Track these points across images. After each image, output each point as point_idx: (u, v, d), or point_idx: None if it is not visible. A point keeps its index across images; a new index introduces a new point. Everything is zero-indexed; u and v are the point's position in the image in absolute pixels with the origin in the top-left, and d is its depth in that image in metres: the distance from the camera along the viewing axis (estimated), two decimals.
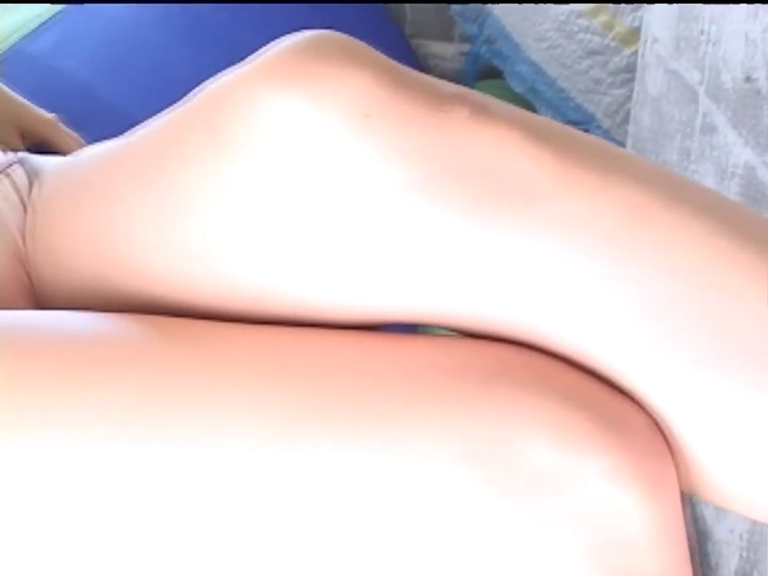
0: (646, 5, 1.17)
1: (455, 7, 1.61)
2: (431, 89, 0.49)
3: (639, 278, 0.47)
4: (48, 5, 1.05)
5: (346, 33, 1.35)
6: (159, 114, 0.60)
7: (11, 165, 0.70)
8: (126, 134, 0.62)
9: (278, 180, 0.49)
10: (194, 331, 0.52)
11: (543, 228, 0.47)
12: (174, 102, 1.11)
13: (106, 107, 1.01)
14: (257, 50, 1.34)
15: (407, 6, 1.67)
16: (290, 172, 0.49)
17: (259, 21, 1.32)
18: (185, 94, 1.17)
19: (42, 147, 0.86)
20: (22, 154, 0.74)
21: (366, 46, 0.50)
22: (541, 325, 0.48)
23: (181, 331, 0.52)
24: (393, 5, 1.66)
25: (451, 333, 0.54)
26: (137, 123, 1.06)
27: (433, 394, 0.46)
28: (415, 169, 0.47)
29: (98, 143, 0.66)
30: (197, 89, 0.56)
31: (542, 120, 0.50)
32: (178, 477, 0.47)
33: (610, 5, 1.42)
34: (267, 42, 1.35)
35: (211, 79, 0.54)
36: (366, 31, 1.58)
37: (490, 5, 1.59)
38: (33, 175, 0.71)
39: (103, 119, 0.98)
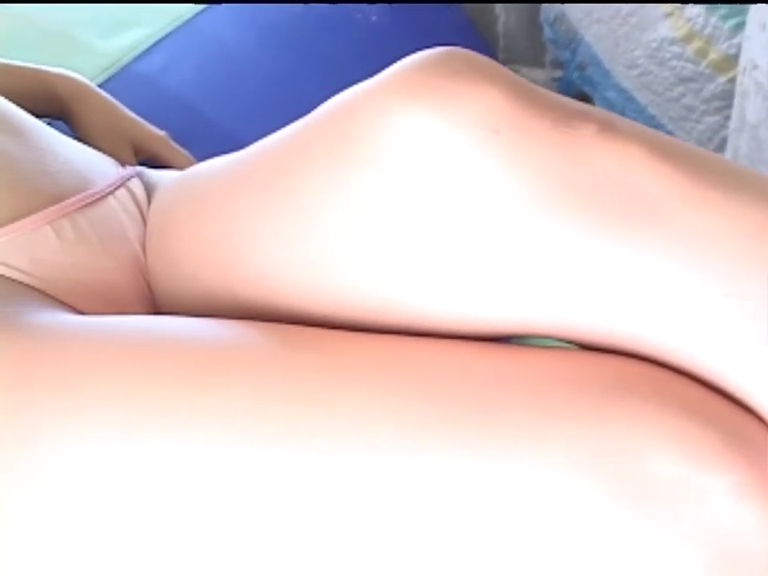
0: (745, 32, 1.17)
1: (548, 33, 1.62)
2: (558, 105, 0.50)
3: (764, 297, 0.47)
4: (165, 18, 1.08)
5: None
6: (281, 130, 0.62)
7: (130, 178, 0.73)
8: (246, 148, 0.64)
9: (405, 192, 0.50)
10: (316, 339, 0.53)
11: (667, 244, 0.47)
12: (275, 120, 1.13)
13: (211, 124, 1.04)
14: (354, 68, 1.36)
15: (500, 32, 1.68)
16: (418, 185, 0.50)
17: (357, 41, 1.34)
18: (285, 111, 1.20)
19: (154, 163, 0.89)
20: (139, 168, 0.77)
21: (493, 61, 0.51)
22: (662, 339, 0.49)
23: (302, 338, 0.54)
24: (487, 31, 1.68)
25: (565, 344, 0.54)
26: (240, 140, 1.09)
27: (555, 404, 0.47)
28: (540, 183, 0.48)
29: (216, 158, 0.69)
30: (324, 104, 0.57)
31: (667, 137, 0.50)
32: (301, 481, 0.48)
33: (704, 32, 1.41)
34: (364, 63, 1.38)
35: (339, 94, 0.56)
36: None
37: (582, 32, 1.60)
38: (150, 188, 0.74)
39: (208, 136, 1.01)
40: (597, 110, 0.51)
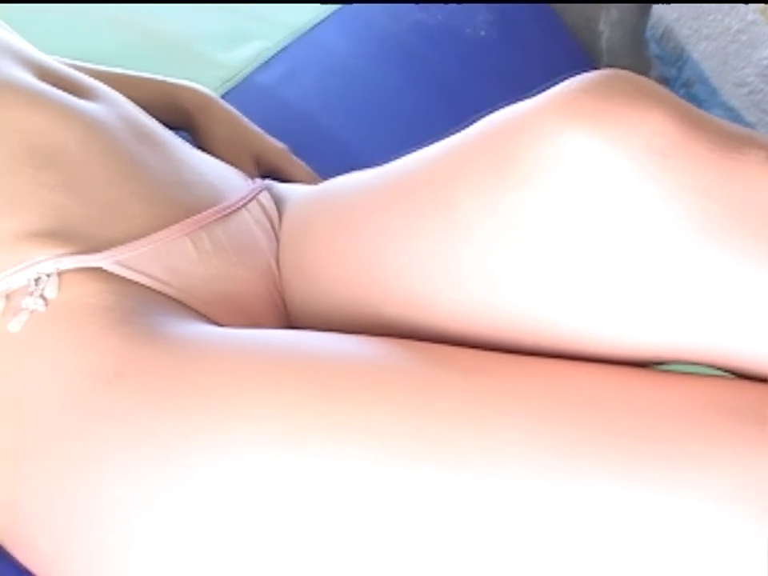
0: None
1: (654, 49, 1.60)
2: (724, 130, 0.49)
3: None
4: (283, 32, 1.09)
5: (545, 67, 1.35)
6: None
7: (260, 191, 0.74)
8: (390, 164, 0.64)
9: (566, 213, 0.50)
10: (466, 359, 0.53)
11: None
12: (391, 133, 1.13)
13: (328, 136, 1.05)
14: (464, 82, 1.34)
15: (604, 48, 1.67)
16: (579, 206, 0.50)
17: (466, 56, 1.34)
18: (401, 125, 1.19)
19: (274, 175, 0.89)
20: (267, 181, 0.78)
21: (656, 84, 0.51)
22: None
23: (452, 358, 0.54)
24: (590, 47, 1.67)
25: (713, 370, 0.53)
26: (356, 153, 1.10)
27: (706, 433, 0.46)
28: (705, 209, 0.47)
29: (354, 173, 0.69)
30: (481, 121, 0.57)
31: None
32: (452, 502, 0.48)
33: None
34: (474, 77, 1.36)
35: (497, 112, 0.56)
36: (563, 68, 1.58)
37: (689, 48, 1.57)
38: (279, 201, 0.75)
39: (325, 148, 1.02)
40: (762, 135, 0.50)
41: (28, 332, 0.60)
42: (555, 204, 0.51)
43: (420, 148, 1.17)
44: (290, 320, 0.69)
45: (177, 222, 0.67)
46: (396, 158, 1.10)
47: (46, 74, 0.72)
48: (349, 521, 0.50)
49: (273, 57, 1.10)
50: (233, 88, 1.03)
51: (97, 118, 0.69)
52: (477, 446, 0.48)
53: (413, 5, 1.34)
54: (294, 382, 0.54)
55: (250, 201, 0.73)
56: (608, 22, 1.69)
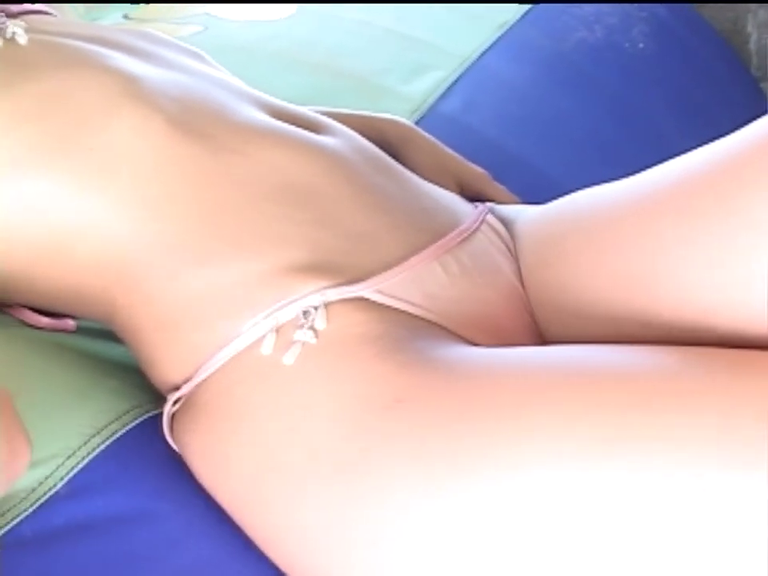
0: None
1: None
2: None
3: None
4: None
5: (702, 74, 1.32)
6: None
7: (487, 213, 0.74)
8: (636, 176, 0.65)
9: None
10: (759, 363, 0.53)
11: None
12: (573, 152, 1.13)
13: (515, 159, 1.06)
14: (629, 94, 1.32)
15: (753, 50, 1.65)
16: None
17: (627, 69, 1.34)
18: (579, 142, 1.19)
19: (478, 199, 0.90)
20: (489, 204, 0.78)
21: None
22: None
23: (744, 363, 0.53)
24: (739, 49, 1.65)
25: None
26: (545, 173, 1.10)
27: None
28: None
29: (593, 188, 0.69)
30: (755, 123, 0.57)
31: None
32: None
33: None
34: (637, 89, 1.35)
35: None
36: (718, 73, 1.56)
37: None
38: (507, 223, 0.75)
39: (514, 170, 1.02)
40: None
41: (301, 364, 0.62)
42: None
43: (601, 165, 1.17)
44: (543, 337, 0.70)
45: (425, 247, 0.68)
46: (584, 175, 1.09)
47: (280, 114, 0.74)
48: (670, 532, 0.49)
49: (451, 86, 1.11)
50: (420, 118, 1.05)
51: (337, 152, 0.71)
52: None
53: (574, 23, 1.34)
54: (582, 394, 0.54)
55: (481, 223, 0.74)
56: (755, 23, 1.67)
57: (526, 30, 1.28)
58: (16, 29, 0.72)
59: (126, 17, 1.22)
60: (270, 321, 0.63)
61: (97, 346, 0.77)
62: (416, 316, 0.65)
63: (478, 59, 1.17)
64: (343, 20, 1.20)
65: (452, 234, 0.70)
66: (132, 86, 0.70)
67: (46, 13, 0.81)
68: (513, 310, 0.70)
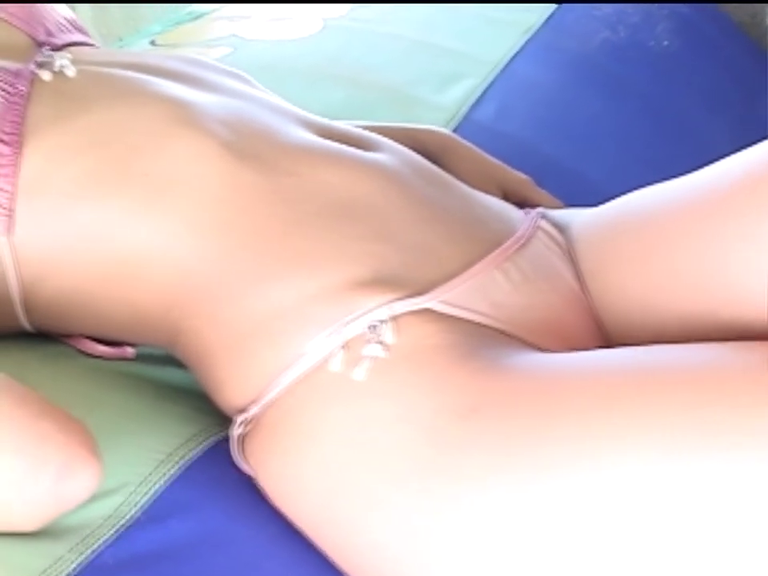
0: None
1: None
2: None
3: None
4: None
5: (727, 69, 1.32)
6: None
7: (540, 219, 0.74)
8: (688, 176, 0.65)
9: None
10: None
11: None
12: (609, 153, 1.12)
13: (553, 163, 1.06)
14: (658, 93, 1.32)
15: None
16: None
17: (653, 67, 1.34)
18: (612, 144, 1.18)
19: (522, 205, 0.90)
20: (539, 209, 0.78)
21: None
22: None
23: None
24: (758, 43, 1.65)
25: None
26: (580, 176, 1.09)
27: None
28: None
29: (642, 190, 0.69)
30: None
31: None
32: None
33: None
34: (665, 87, 1.34)
35: None
36: (743, 68, 1.55)
37: None
38: (560, 226, 0.75)
39: (552, 174, 1.02)
40: None
41: (372, 379, 0.62)
42: None
43: (637, 164, 1.17)
44: (608, 340, 0.69)
45: (484, 256, 0.68)
46: (621, 176, 1.09)
47: (326, 132, 0.74)
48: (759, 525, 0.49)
49: (483, 93, 1.11)
50: (456, 127, 1.05)
51: (388, 167, 0.71)
52: None
53: (596, 24, 1.34)
54: (666, 393, 0.54)
55: (536, 229, 0.74)
56: None
57: (551, 33, 1.28)
58: (63, 61, 0.72)
59: (152, 43, 1.22)
60: (337, 337, 0.63)
61: (156, 371, 0.77)
62: (483, 325, 0.65)
63: (507, 65, 1.18)
64: (370, 33, 1.20)
65: (509, 241, 0.70)
66: (183, 112, 0.70)
67: (86, 43, 0.81)
68: (576, 314, 0.70)
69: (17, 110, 0.67)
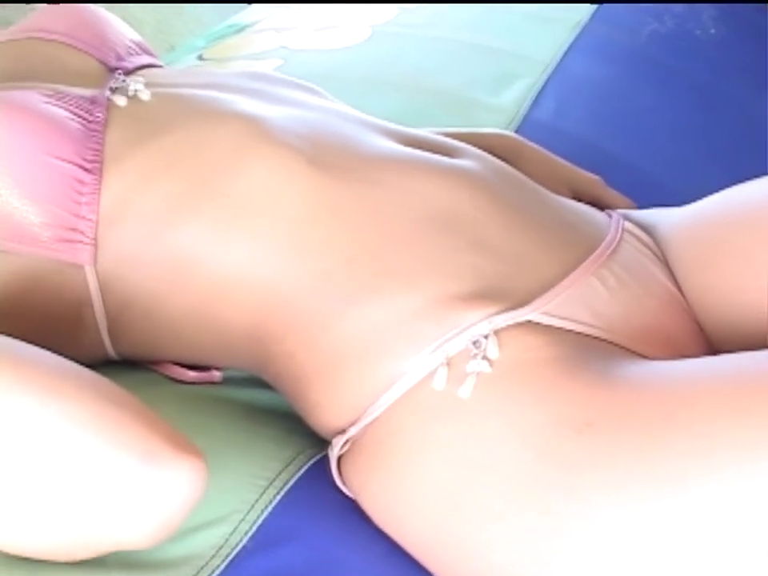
0: None
1: None
2: None
3: None
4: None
5: None
6: None
7: (624, 220, 0.73)
8: None
9: None
10: None
11: None
12: (669, 146, 1.10)
13: (614, 158, 1.04)
14: (709, 81, 1.29)
15: None
16: None
17: (702, 55, 1.32)
18: (670, 135, 1.16)
19: (593, 205, 0.89)
20: (621, 211, 0.77)
21: None
22: None
23: None
24: None
25: None
26: (644, 172, 1.08)
27: None
28: None
29: (738, 186, 0.68)
30: None
31: None
32: None
33: None
34: (714, 74, 1.32)
35: None
36: None
37: None
38: (647, 227, 0.73)
39: (614, 170, 1.01)
40: None
41: (478, 395, 0.61)
42: None
43: (698, 156, 1.15)
44: (710, 340, 0.68)
45: (579, 263, 0.67)
46: (685, 171, 1.07)
47: (409, 140, 0.73)
48: None
49: (539, 93, 1.10)
50: (517, 128, 1.04)
51: (475, 174, 0.70)
52: None
53: (642, 16, 1.33)
54: None
55: (623, 231, 0.72)
56: None
57: (599, 28, 1.27)
58: (137, 86, 0.71)
59: (200, 58, 1.21)
60: (438, 354, 0.62)
61: (242, 394, 0.76)
62: (586, 335, 0.64)
63: (560, 62, 1.16)
64: (419, 38, 1.19)
65: (602, 246, 0.69)
66: (260, 128, 0.69)
67: (154, 65, 0.81)
68: (676, 316, 0.68)
69: (96, 137, 0.67)
